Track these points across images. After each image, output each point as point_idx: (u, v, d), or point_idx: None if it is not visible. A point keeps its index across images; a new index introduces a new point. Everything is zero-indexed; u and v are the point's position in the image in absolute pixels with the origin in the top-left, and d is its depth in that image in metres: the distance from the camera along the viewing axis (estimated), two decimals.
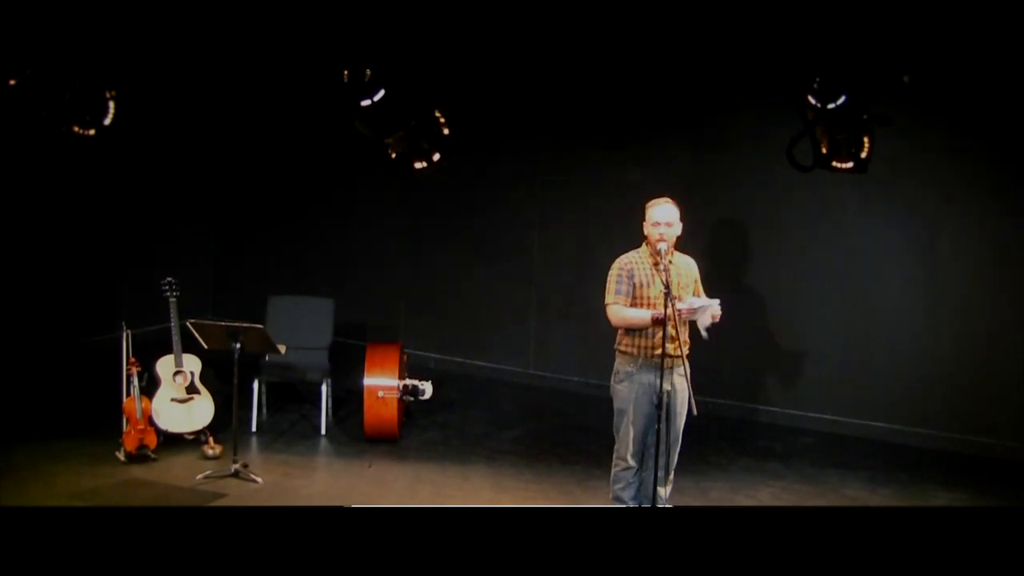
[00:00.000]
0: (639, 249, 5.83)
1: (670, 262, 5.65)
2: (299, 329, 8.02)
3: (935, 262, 7.99)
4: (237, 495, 6.46)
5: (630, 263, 5.76)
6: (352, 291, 9.64)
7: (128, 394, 7.03)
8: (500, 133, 9.10)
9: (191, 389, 7.28)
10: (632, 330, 5.68)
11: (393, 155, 7.02)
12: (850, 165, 6.66)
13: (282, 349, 7.17)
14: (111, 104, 6.28)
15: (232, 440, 6.77)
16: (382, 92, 6.38)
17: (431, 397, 7.50)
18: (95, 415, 7.59)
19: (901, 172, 7.91)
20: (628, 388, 5.71)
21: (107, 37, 6.52)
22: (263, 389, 7.91)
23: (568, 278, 9.14)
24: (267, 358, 7.78)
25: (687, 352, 5.66)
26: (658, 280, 5.63)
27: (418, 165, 7.04)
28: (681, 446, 5.84)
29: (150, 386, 7.21)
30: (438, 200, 9.63)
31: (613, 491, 5.84)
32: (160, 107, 9.42)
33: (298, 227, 10.36)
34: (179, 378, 7.26)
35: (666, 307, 5.36)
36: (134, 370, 7.01)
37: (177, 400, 7.23)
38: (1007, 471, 7.51)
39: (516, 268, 9.45)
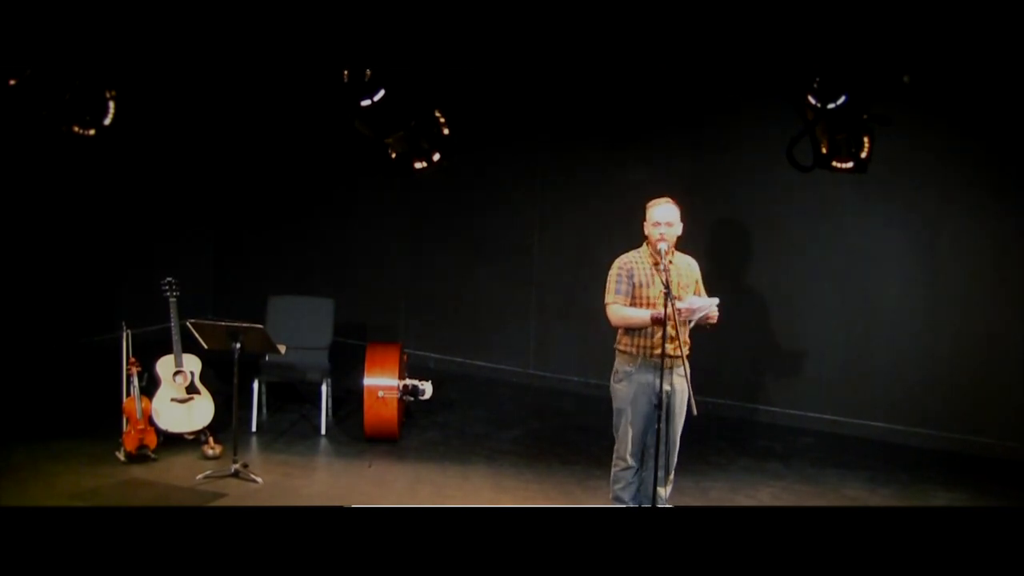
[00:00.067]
0: (639, 249, 5.83)
1: (670, 262, 5.65)
2: (299, 329, 8.02)
3: (935, 262, 7.99)
4: (237, 495, 6.46)
5: (630, 263, 5.76)
6: (352, 291, 9.63)
7: (128, 394, 7.03)
8: (500, 133, 9.10)
9: (191, 389, 7.28)
10: (631, 330, 5.68)
11: (393, 155, 7.02)
12: (850, 165, 6.66)
13: (282, 349, 7.17)
14: (111, 104, 6.28)
15: (232, 440, 6.77)
16: (382, 92, 6.38)
17: (431, 397, 7.50)
18: (95, 415, 7.59)
19: (901, 172, 7.91)
20: (627, 388, 5.71)
21: (107, 37, 6.53)
22: (263, 389, 7.91)
23: (568, 278, 9.14)
24: (267, 358, 7.77)
25: (687, 352, 5.66)
26: (658, 280, 5.63)
27: (418, 165, 7.05)
28: (680, 446, 5.84)
29: (150, 386, 7.20)
30: (438, 200, 9.63)
31: (613, 491, 5.84)
32: (160, 107, 9.42)
33: (298, 227, 10.36)
34: (179, 378, 7.26)
35: (666, 307, 5.36)
36: (134, 370, 7.01)
37: (177, 400, 7.23)
38: (1007, 471, 7.51)
39: (516, 268, 9.45)
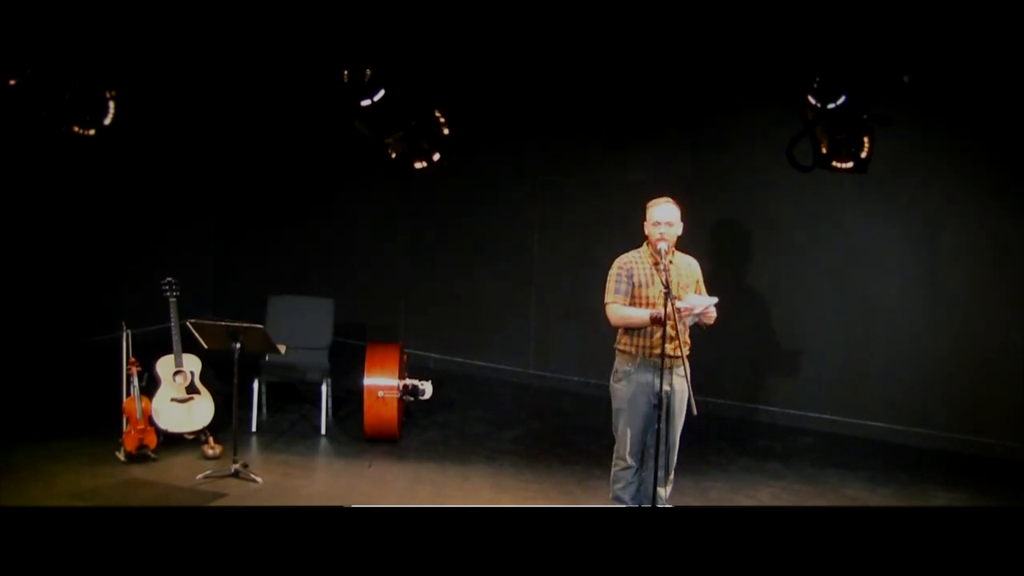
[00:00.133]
0: (639, 249, 5.83)
1: (670, 262, 5.65)
2: (299, 329, 8.02)
3: (935, 262, 7.99)
4: (237, 495, 6.46)
5: (630, 263, 5.76)
6: (352, 291, 9.63)
7: (128, 394, 7.03)
8: (500, 133, 9.09)
9: (191, 389, 7.28)
10: (631, 329, 5.68)
11: (393, 155, 7.02)
12: (850, 165, 6.66)
13: (282, 349, 7.18)
14: (111, 104, 6.29)
15: (232, 440, 6.77)
16: (382, 92, 6.38)
17: (431, 397, 7.50)
18: (95, 415, 7.58)
19: (901, 172, 7.91)
20: (626, 387, 5.71)
21: (107, 37, 6.53)
22: (263, 389, 7.91)
23: (568, 278, 9.14)
24: (267, 358, 7.77)
25: (687, 352, 5.66)
26: (658, 280, 5.63)
27: (418, 165, 7.05)
28: (680, 446, 5.83)
29: (150, 386, 7.20)
30: (438, 200, 9.63)
31: (613, 491, 5.83)
32: (160, 107, 9.41)
33: (298, 227, 10.35)
34: (179, 378, 7.26)
35: (665, 307, 5.36)
36: (134, 370, 7.01)
37: (177, 400, 7.23)
38: (1007, 471, 7.51)
39: (516, 268, 9.45)
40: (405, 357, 7.77)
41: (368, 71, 6.35)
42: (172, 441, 7.20)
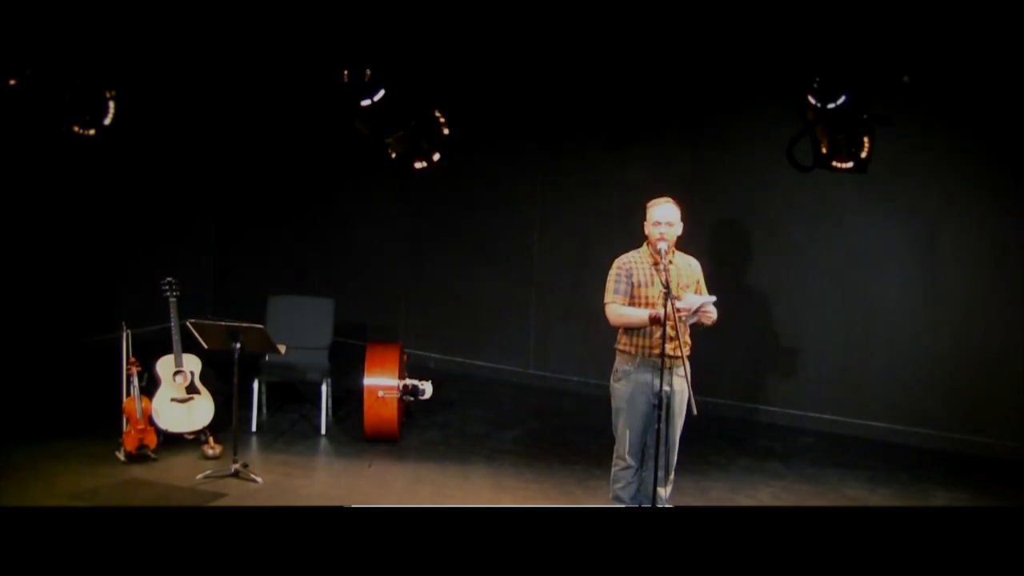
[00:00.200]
0: (640, 249, 5.83)
1: (670, 262, 5.65)
2: (299, 329, 8.02)
3: (935, 262, 7.99)
4: (237, 495, 6.46)
5: (629, 263, 5.76)
6: (352, 291, 9.63)
7: (128, 394, 7.03)
8: (500, 133, 9.10)
9: (191, 389, 7.28)
10: (631, 329, 5.68)
11: (393, 155, 7.02)
12: (850, 165, 6.66)
13: (282, 349, 7.17)
14: (111, 104, 6.28)
15: (232, 440, 6.77)
16: (382, 92, 6.38)
17: (431, 397, 7.50)
18: (95, 415, 7.58)
19: (901, 172, 7.91)
20: (625, 387, 5.71)
21: (107, 37, 6.52)
22: (263, 389, 7.91)
23: (568, 278, 9.15)
24: (267, 358, 7.77)
25: (687, 353, 5.66)
26: (657, 280, 5.63)
27: (418, 165, 7.05)
28: (680, 446, 5.83)
29: (150, 386, 7.20)
30: (438, 200, 9.63)
31: (613, 490, 5.83)
32: (160, 107, 9.42)
33: (298, 227, 10.36)
34: (179, 378, 7.26)
35: (665, 307, 5.36)
36: (134, 370, 7.01)
37: (177, 400, 7.23)
38: (1007, 471, 7.51)
39: (516, 268, 9.45)
40: (405, 357, 7.77)
41: (368, 71, 6.35)
42: (172, 441, 7.20)
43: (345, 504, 6.38)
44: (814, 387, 8.40)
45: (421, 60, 7.28)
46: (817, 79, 6.10)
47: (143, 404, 6.99)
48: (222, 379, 7.50)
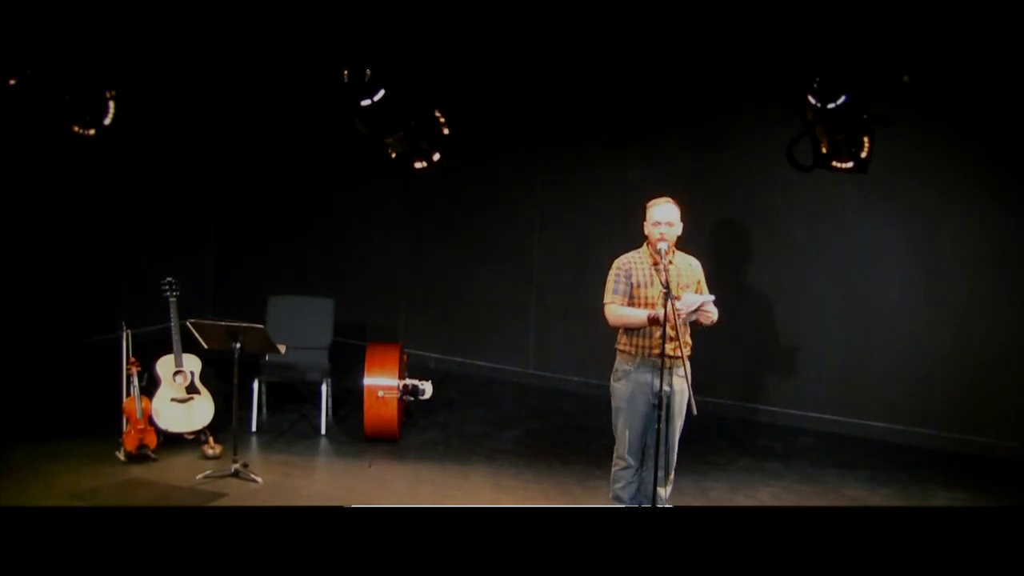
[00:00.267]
0: (639, 249, 5.82)
1: (670, 262, 5.65)
2: (299, 329, 8.02)
3: (935, 262, 7.99)
4: (237, 495, 6.46)
5: (629, 263, 5.76)
6: (352, 291, 9.63)
7: (128, 394, 7.03)
8: (500, 133, 9.10)
9: (191, 389, 7.28)
10: (631, 329, 5.68)
11: (393, 155, 7.02)
12: (850, 165, 6.66)
13: (282, 349, 7.17)
14: (111, 104, 6.29)
15: (232, 440, 6.77)
16: (382, 92, 6.38)
17: (431, 397, 7.50)
18: (95, 415, 7.59)
19: (901, 172, 7.91)
20: (625, 387, 5.71)
21: (107, 37, 6.53)
22: (263, 389, 7.91)
23: (568, 278, 9.14)
24: (267, 358, 7.77)
25: (688, 353, 5.66)
26: (657, 280, 5.63)
27: (418, 165, 7.05)
28: (680, 446, 5.83)
29: (150, 386, 7.20)
30: (438, 200, 9.63)
31: (613, 490, 5.84)
32: (160, 107, 9.42)
33: (298, 227, 10.36)
34: (179, 378, 7.26)
35: (665, 307, 5.35)
36: (134, 370, 7.01)
37: (177, 400, 7.23)
38: (1007, 471, 7.51)
39: (516, 268, 9.45)
40: (405, 357, 7.77)
41: (368, 71, 6.35)
42: (172, 441, 7.20)
43: (345, 504, 6.38)
44: (814, 387, 8.40)
45: (421, 60, 7.28)
46: (817, 79, 6.10)
47: (143, 404, 6.99)
48: (222, 379, 7.50)
